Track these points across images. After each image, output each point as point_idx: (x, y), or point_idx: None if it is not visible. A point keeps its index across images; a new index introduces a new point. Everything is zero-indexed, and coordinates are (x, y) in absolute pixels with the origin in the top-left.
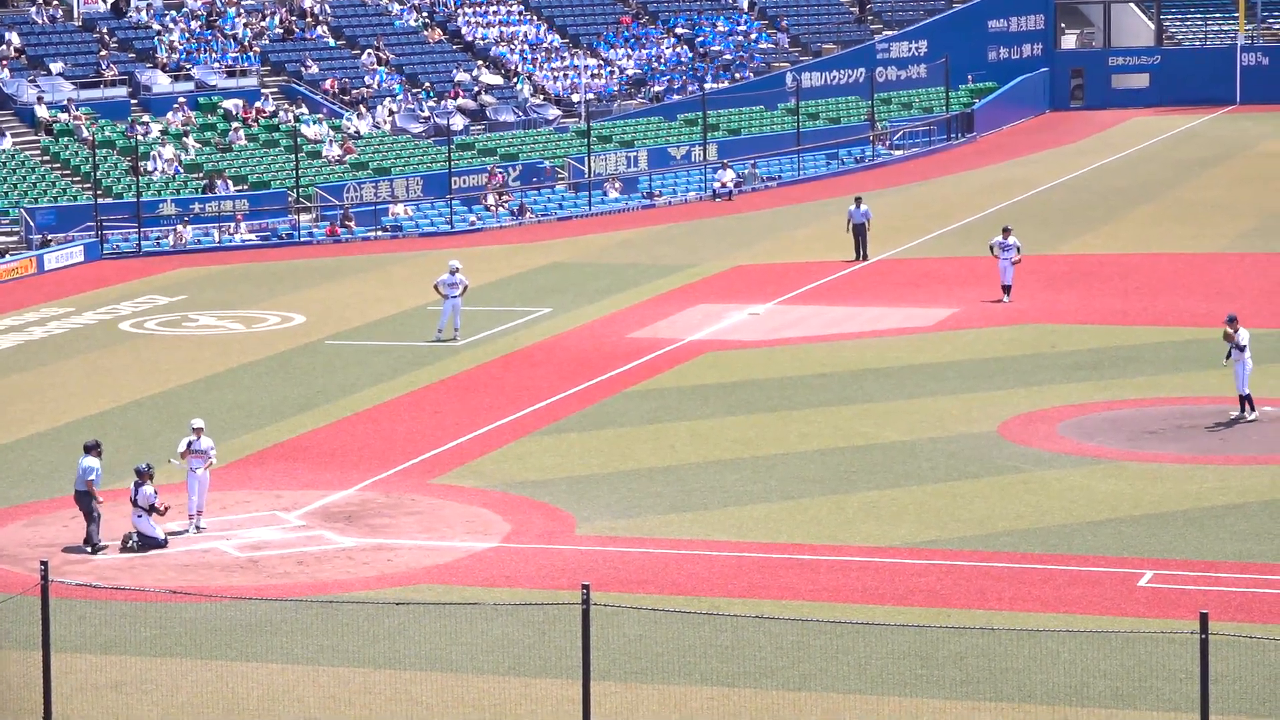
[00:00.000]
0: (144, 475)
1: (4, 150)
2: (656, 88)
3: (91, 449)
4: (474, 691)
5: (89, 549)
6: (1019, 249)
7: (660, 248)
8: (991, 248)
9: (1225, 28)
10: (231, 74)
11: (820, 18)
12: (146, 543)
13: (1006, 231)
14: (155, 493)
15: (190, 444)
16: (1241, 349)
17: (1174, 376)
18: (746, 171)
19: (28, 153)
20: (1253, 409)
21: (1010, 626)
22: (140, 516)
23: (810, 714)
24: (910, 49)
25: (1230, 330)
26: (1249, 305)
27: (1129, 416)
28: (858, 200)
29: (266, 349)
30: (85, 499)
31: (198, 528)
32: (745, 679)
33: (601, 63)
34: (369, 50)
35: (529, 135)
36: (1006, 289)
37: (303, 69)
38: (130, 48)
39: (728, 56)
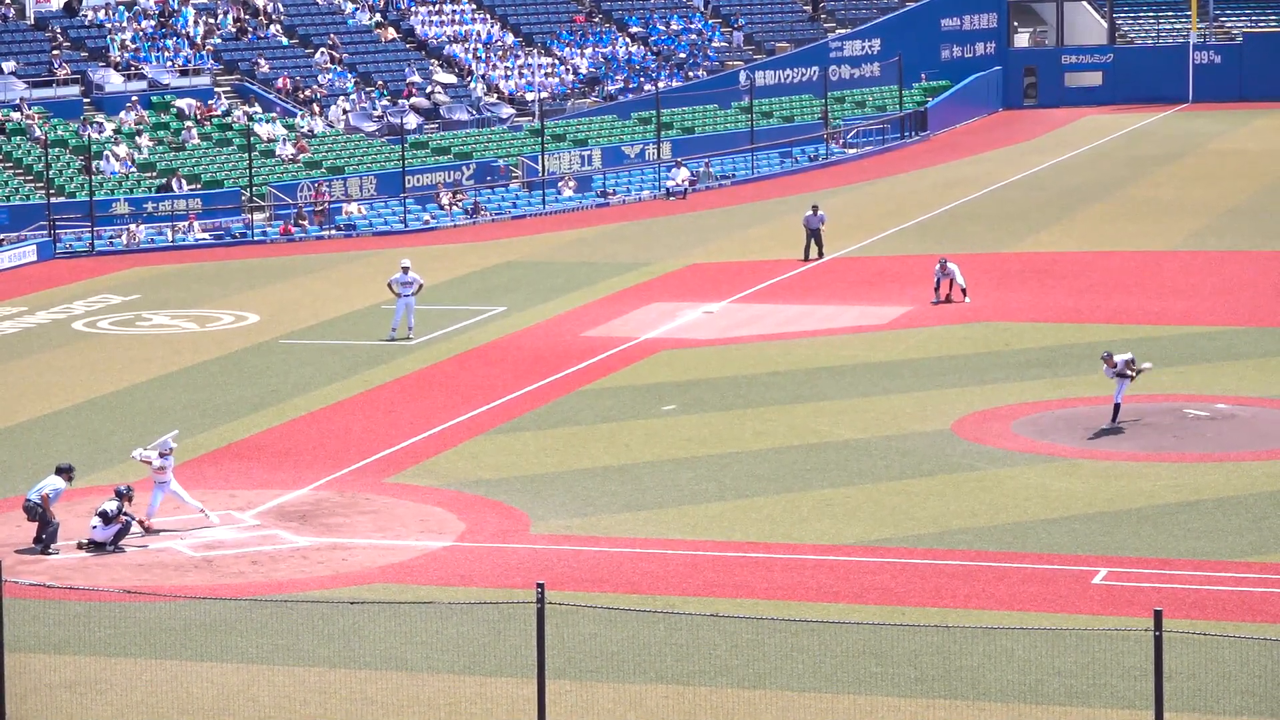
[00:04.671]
0: (122, 497)
1: None
2: (610, 86)
3: (63, 471)
4: (429, 690)
5: (40, 549)
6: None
7: (614, 246)
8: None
9: (1178, 26)
10: (184, 73)
11: (774, 16)
12: (97, 546)
13: (944, 264)
14: (120, 508)
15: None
16: (1129, 375)
17: None
18: (700, 170)
19: None
20: (1114, 418)
21: (965, 624)
22: (96, 527)
23: (765, 712)
24: (863, 47)
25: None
26: (1201, 303)
27: (1083, 414)
28: (814, 208)
29: (220, 348)
30: (38, 513)
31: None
32: (700, 677)
33: (555, 61)
34: (322, 49)
35: (483, 134)
36: (937, 288)
37: (256, 68)
38: (83, 47)
39: (681, 55)
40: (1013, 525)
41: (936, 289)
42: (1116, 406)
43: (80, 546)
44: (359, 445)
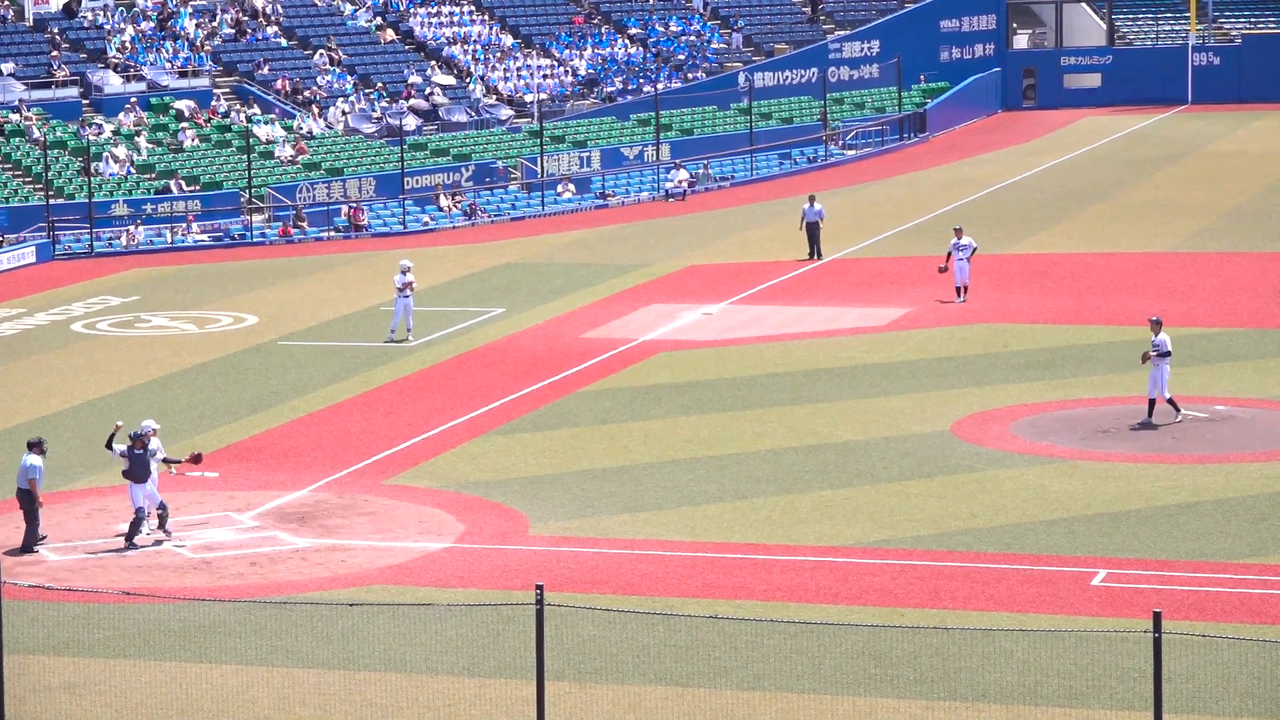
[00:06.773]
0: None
1: None
2: (609, 88)
3: (34, 446)
4: (428, 692)
5: (31, 549)
6: (974, 248)
7: (613, 248)
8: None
9: (1177, 28)
10: (183, 74)
11: (772, 18)
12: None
13: (959, 232)
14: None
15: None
16: (1165, 354)
17: (1126, 376)
18: (699, 171)
19: None
20: (1177, 410)
21: (964, 626)
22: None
23: (764, 713)
24: (862, 49)
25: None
26: (1200, 305)
27: (1082, 416)
28: (811, 199)
29: (219, 349)
30: (28, 498)
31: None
32: (699, 679)
33: (554, 63)
34: (321, 51)
35: (481, 135)
36: (960, 290)
37: (255, 69)
38: (82, 48)
39: (680, 57)
40: (1012, 526)
41: (948, 258)
42: (1153, 402)
43: (163, 524)
44: (358, 446)
